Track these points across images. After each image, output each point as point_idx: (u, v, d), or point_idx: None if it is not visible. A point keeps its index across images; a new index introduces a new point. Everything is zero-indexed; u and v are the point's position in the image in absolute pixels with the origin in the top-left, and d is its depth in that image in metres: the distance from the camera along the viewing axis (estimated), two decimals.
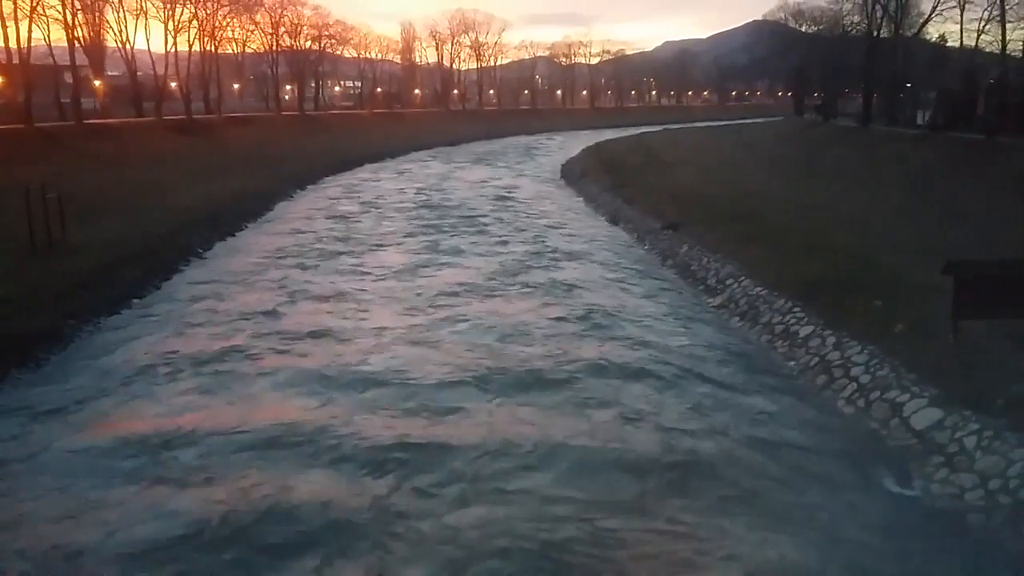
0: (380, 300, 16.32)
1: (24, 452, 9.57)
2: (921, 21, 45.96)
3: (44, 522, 8.06)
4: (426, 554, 7.46)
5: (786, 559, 7.44)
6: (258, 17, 71.96)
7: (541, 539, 7.62)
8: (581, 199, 33.47)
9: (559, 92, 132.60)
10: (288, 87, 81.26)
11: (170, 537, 7.68)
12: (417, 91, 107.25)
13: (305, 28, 78.84)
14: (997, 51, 37.97)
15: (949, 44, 51.87)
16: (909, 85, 47.50)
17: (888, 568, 7.39)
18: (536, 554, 7.40)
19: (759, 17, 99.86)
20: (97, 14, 49.92)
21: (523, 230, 24.80)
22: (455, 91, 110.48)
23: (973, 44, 41.57)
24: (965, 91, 35.28)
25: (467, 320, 14.72)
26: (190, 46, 58.06)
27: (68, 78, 46.44)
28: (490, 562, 7.29)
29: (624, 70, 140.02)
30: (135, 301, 16.25)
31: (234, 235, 24.26)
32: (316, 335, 13.90)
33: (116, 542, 7.65)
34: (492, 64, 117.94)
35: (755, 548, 7.57)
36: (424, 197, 32.59)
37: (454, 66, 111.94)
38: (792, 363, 12.51)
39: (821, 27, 61.98)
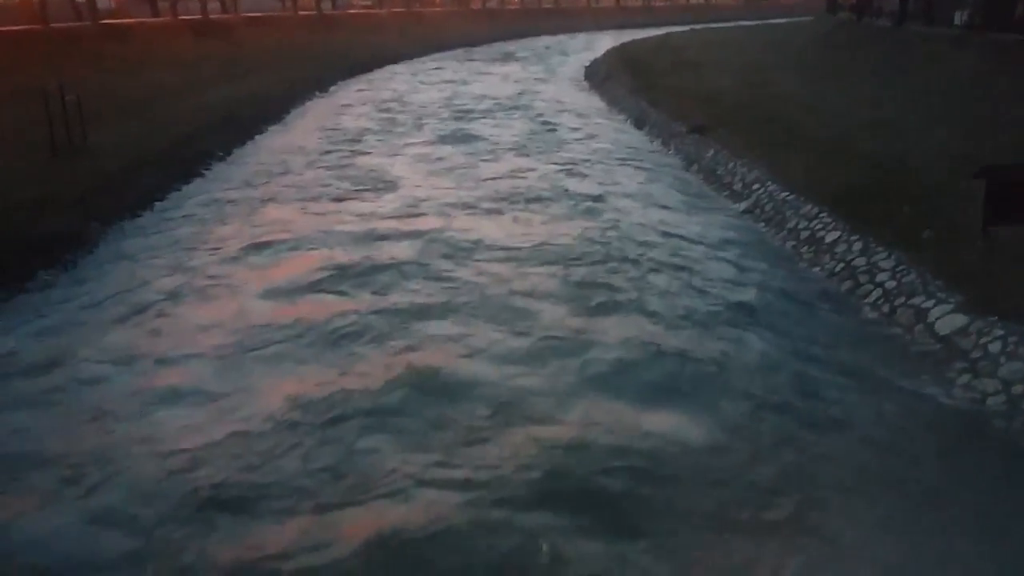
0: (398, 212, 15.96)
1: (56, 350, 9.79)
2: None
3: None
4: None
5: (798, 446, 7.62)
6: None
7: None
8: (605, 102, 32.81)
9: None
10: None
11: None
12: None
13: None
14: None
15: None
16: None
17: (903, 465, 7.46)
18: None
19: None
20: None
21: (544, 135, 24.41)
22: None
23: None
24: None
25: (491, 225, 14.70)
26: None
27: None
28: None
29: None
30: (157, 204, 16.32)
31: (253, 138, 24.10)
32: (336, 234, 13.94)
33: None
34: None
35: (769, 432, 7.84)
36: (443, 101, 32.05)
37: None
38: (817, 269, 12.41)
39: None
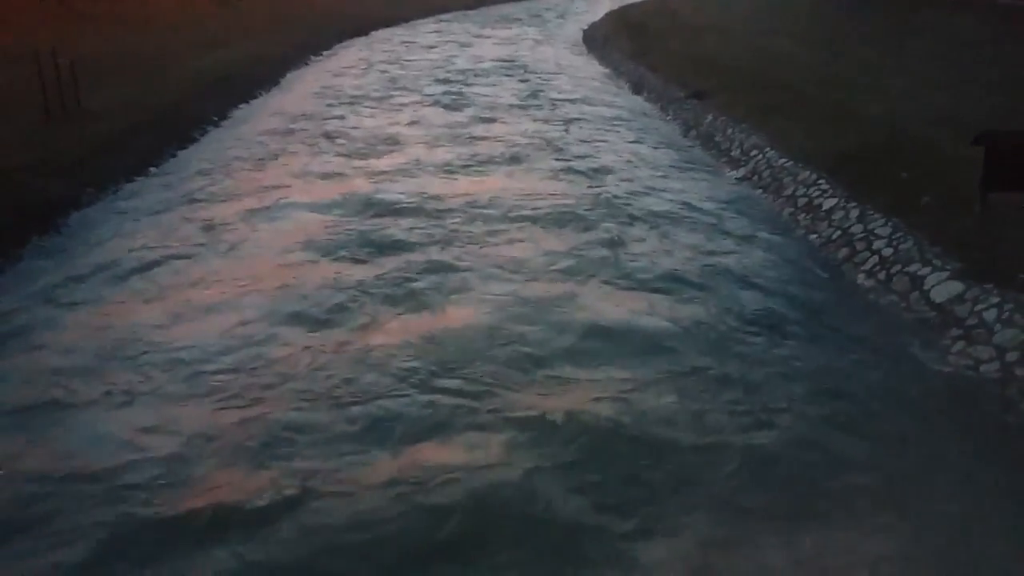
0: (388, 183, 15.71)
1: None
2: None
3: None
4: None
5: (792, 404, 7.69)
6: None
7: None
8: (603, 66, 32.55)
9: None
10: None
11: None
12: None
13: None
14: None
15: None
16: None
17: (894, 428, 7.51)
18: None
19: None
20: None
21: (540, 100, 24.20)
22: None
23: None
24: None
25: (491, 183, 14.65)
26: None
27: None
28: None
29: None
30: (152, 169, 16.22)
31: (248, 103, 23.87)
32: (329, 201, 13.88)
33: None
34: None
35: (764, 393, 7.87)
36: (439, 66, 31.71)
37: None
38: (814, 236, 12.39)
39: None
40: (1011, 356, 8.16)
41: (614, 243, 11.72)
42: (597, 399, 7.76)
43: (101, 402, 7.85)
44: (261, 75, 27.40)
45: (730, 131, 18.25)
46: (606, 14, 51.80)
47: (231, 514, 6.22)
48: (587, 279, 10.56)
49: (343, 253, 11.41)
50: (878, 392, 8.07)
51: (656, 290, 10.23)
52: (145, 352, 8.72)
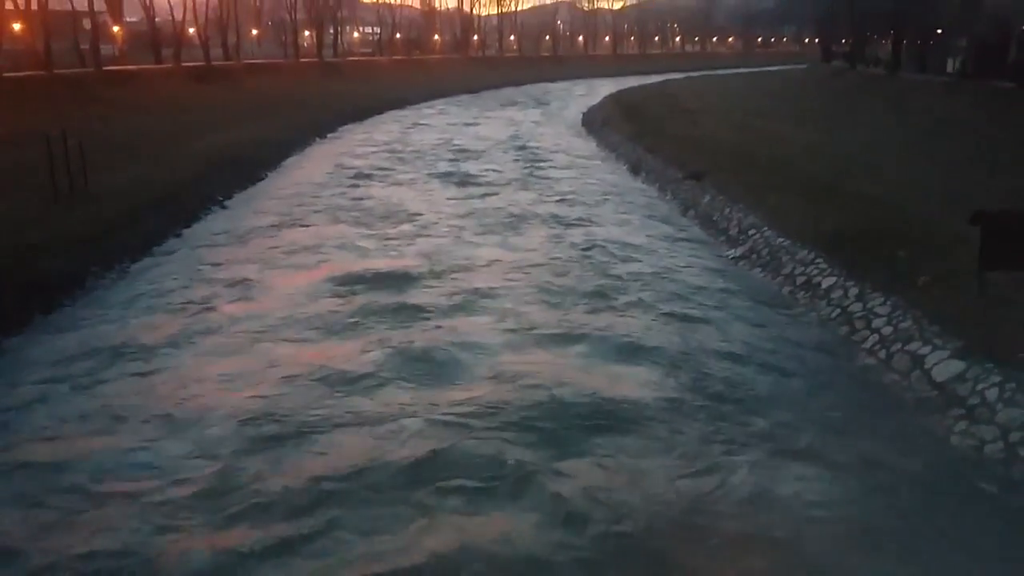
0: (388, 258, 15.98)
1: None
2: None
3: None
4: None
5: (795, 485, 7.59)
6: None
7: None
8: (602, 148, 33.15)
9: (581, 38, 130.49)
10: (307, 33, 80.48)
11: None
12: (437, 37, 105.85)
13: None
14: None
15: None
16: (939, 32, 46.29)
17: (899, 517, 7.37)
18: None
19: None
20: None
21: (541, 179, 24.63)
22: (475, 37, 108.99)
23: None
24: (997, 38, 34.37)
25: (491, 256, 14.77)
26: None
27: (87, 24, 46.21)
28: None
29: (648, 16, 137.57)
30: (156, 248, 16.40)
31: (254, 183, 24.27)
32: (331, 279, 13.98)
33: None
34: (513, 10, 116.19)
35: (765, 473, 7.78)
36: (443, 147, 32.39)
37: (474, 11, 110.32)
38: (813, 314, 12.43)
39: None
40: (1015, 436, 8.10)
41: (615, 321, 11.81)
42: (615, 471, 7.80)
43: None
44: (266, 157, 27.91)
45: (727, 210, 18.48)
46: (605, 97, 53.01)
47: None
48: (590, 358, 10.62)
49: (333, 342, 11.35)
50: (883, 475, 7.96)
51: (659, 367, 10.25)
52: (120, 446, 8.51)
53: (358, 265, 15.01)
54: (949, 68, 40.21)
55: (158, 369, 10.44)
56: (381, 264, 15.03)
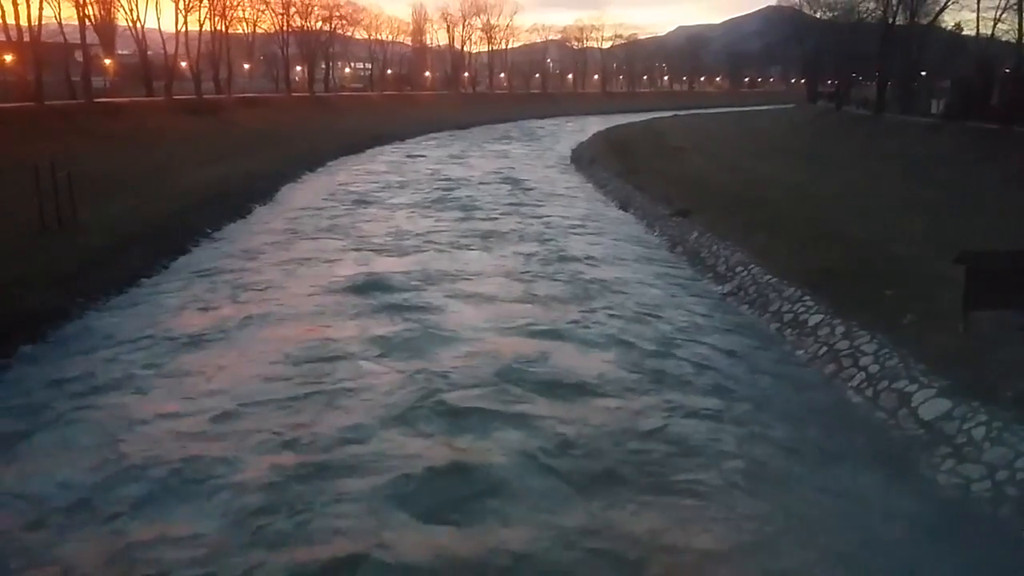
0: (376, 295, 15.97)
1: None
2: (937, 9, 45.48)
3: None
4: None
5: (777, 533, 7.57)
6: None
7: None
8: (591, 184, 33.35)
9: (570, 76, 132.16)
10: (298, 68, 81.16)
11: None
12: (428, 74, 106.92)
13: (316, 8, 78.97)
14: (1013, 40, 37.51)
15: (965, 33, 51.31)
16: (923, 73, 47.09)
17: (887, 556, 7.34)
18: None
19: (773, 3, 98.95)
20: None
21: (530, 216, 24.70)
22: (466, 74, 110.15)
23: (989, 33, 41.11)
24: (980, 80, 34.96)
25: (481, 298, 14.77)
26: (200, 25, 58.22)
27: (79, 56, 46.53)
28: None
29: (636, 55, 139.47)
30: (143, 280, 16.31)
31: (244, 216, 24.24)
32: (323, 314, 13.95)
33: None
34: (503, 47, 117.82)
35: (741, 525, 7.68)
36: (432, 183, 32.54)
37: (465, 49, 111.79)
38: (801, 352, 12.45)
39: (836, 14, 61.27)
40: (1001, 475, 8.10)
41: (604, 369, 11.75)
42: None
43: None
44: (256, 189, 27.94)
45: (715, 247, 18.57)
46: (593, 135, 53.52)
47: None
48: (581, 392, 10.62)
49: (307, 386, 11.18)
50: (872, 516, 7.91)
51: (652, 405, 10.24)
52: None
53: (340, 300, 14.98)
54: (933, 109, 40.83)
55: (136, 399, 10.37)
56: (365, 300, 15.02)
